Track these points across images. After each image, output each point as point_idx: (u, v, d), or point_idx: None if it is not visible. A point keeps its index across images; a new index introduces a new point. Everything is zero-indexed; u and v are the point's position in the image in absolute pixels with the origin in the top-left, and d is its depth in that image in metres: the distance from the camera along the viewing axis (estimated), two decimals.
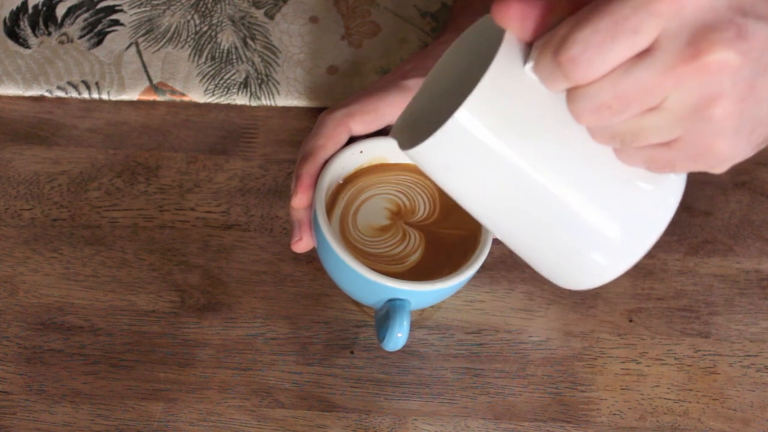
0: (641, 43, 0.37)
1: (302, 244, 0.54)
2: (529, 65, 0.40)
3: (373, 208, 0.55)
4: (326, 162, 0.54)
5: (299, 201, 0.53)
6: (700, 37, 0.36)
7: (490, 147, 0.42)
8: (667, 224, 0.44)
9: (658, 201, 0.44)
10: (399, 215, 0.55)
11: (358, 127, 0.55)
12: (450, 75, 0.47)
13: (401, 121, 0.49)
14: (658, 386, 0.58)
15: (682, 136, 0.39)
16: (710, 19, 0.36)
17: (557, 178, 0.43)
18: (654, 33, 0.37)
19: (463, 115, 0.41)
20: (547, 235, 0.45)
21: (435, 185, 0.56)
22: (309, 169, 0.54)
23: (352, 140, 0.56)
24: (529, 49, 0.40)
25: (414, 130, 0.43)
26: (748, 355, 0.59)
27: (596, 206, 0.43)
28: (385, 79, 0.58)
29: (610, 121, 0.39)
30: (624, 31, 0.37)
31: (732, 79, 0.37)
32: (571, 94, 0.39)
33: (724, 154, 0.39)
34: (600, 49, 0.37)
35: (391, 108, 0.55)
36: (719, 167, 0.40)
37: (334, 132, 0.54)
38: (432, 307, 0.59)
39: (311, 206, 0.53)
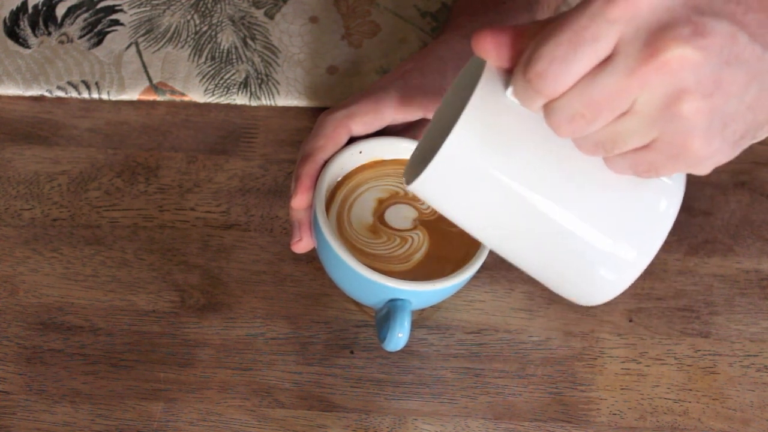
0: (602, 50, 0.38)
1: (302, 244, 0.54)
2: (510, 90, 0.42)
3: (368, 201, 0.55)
4: (326, 162, 0.54)
5: (299, 202, 0.54)
6: (656, 37, 0.37)
7: (481, 173, 0.44)
8: (667, 232, 0.44)
9: (656, 209, 0.44)
10: (387, 201, 0.55)
11: (358, 128, 0.55)
12: (451, 110, 0.49)
13: (412, 158, 0.51)
14: (658, 386, 0.58)
15: (657, 138, 0.39)
16: (666, 19, 0.37)
17: (550, 195, 0.44)
18: (613, 39, 0.38)
19: (448, 147, 0.43)
20: (551, 255, 0.46)
21: None
22: (308, 170, 0.54)
23: (353, 140, 0.56)
24: (509, 75, 0.42)
25: (421, 166, 0.46)
26: (748, 355, 0.59)
27: (593, 219, 0.45)
28: (384, 80, 0.58)
29: (587, 130, 0.40)
30: (584, 41, 0.38)
31: (694, 75, 0.37)
32: (546, 108, 0.40)
33: (700, 152, 0.39)
34: (564, 61, 0.38)
35: (391, 108, 0.55)
36: (700, 167, 0.41)
37: (333, 133, 0.55)
38: (432, 306, 0.59)
39: (311, 207, 0.53)
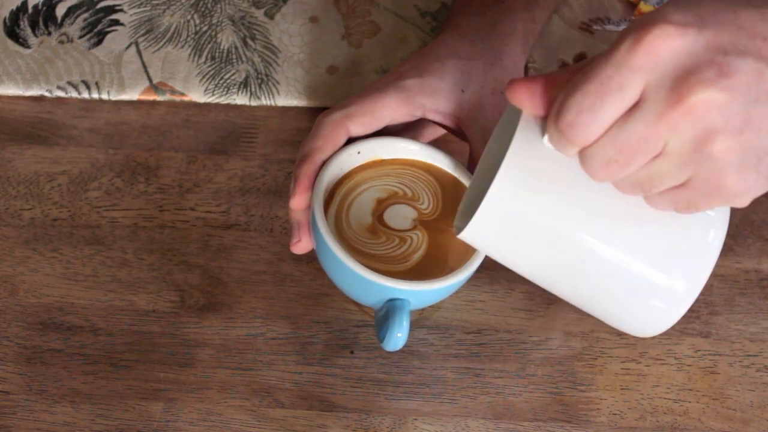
0: (629, 98, 0.39)
1: (301, 245, 0.55)
2: (546, 137, 0.43)
3: (367, 201, 0.55)
4: (324, 163, 0.54)
5: (297, 202, 0.54)
6: (681, 82, 0.38)
7: (527, 219, 0.45)
8: (715, 262, 0.46)
9: (702, 241, 0.46)
10: (387, 201, 0.55)
11: (356, 129, 0.55)
12: (494, 158, 0.51)
13: (462, 205, 0.53)
14: (658, 386, 0.58)
15: (692, 177, 0.40)
16: (689, 63, 0.38)
17: (597, 235, 0.45)
18: (639, 87, 0.39)
19: (491, 196, 0.45)
20: (603, 291, 0.48)
21: (437, 181, 0.56)
22: (306, 171, 0.54)
23: (351, 141, 0.56)
24: (545, 122, 0.44)
25: (471, 213, 0.47)
26: (748, 355, 0.59)
27: (641, 255, 0.46)
28: (382, 80, 0.58)
29: (622, 174, 0.41)
30: (610, 91, 0.39)
31: (722, 115, 0.38)
32: (581, 156, 0.42)
33: (735, 189, 0.40)
34: (592, 111, 0.40)
35: (389, 109, 0.55)
36: (737, 201, 0.42)
37: (331, 134, 0.55)
38: (432, 306, 0.59)
39: (310, 207, 0.53)
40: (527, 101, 0.43)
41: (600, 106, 0.39)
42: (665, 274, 0.46)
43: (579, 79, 0.40)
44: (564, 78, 0.42)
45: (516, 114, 0.46)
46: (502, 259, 0.50)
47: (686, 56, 0.38)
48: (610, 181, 0.42)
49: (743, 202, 0.42)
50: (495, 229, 0.47)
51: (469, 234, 0.48)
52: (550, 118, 0.42)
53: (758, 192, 0.41)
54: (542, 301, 0.60)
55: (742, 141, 0.39)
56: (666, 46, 0.38)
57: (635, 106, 0.39)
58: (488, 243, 0.48)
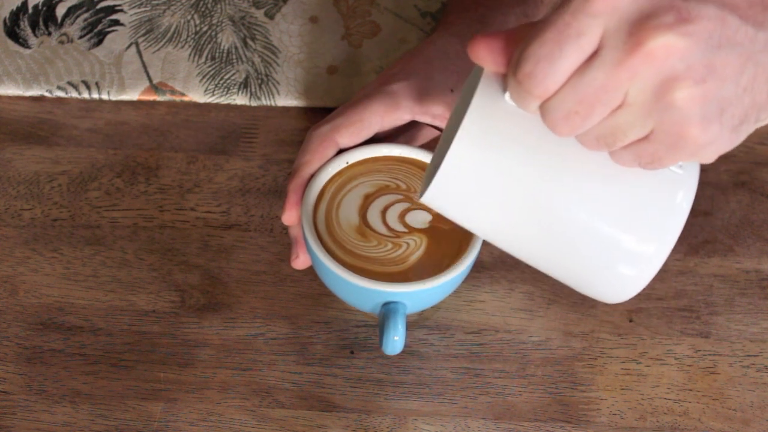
0: (587, 45, 0.38)
1: (299, 261, 0.55)
2: (508, 93, 0.42)
3: (355, 198, 0.55)
4: (312, 176, 0.54)
5: (288, 218, 0.54)
6: (639, 27, 0.37)
7: (487, 180, 0.44)
8: (683, 223, 0.44)
9: (670, 201, 0.44)
10: (375, 195, 0.55)
11: (345, 140, 0.55)
12: (458, 119, 0.50)
13: (427, 172, 0.51)
14: (658, 386, 0.57)
15: (655, 128, 0.39)
16: (648, 8, 0.37)
17: (560, 195, 0.44)
18: (597, 33, 0.37)
19: (450, 158, 0.44)
20: (570, 254, 0.46)
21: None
22: (294, 186, 0.54)
23: (342, 152, 0.56)
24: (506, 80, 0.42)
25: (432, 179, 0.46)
26: (748, 355, 0.59)
27: (604, 214, 0.44)
28: (370, 86, 0.57)
29: (584, 127, 0.40)
30: (568, 38, 0.38)
31: (683, 62, 0.37)
32: (542, 109, 0.40)
33: (699, 140, 0.39)
34: (550, 59, 0.38)
35: (377, 116, 0.55)
36: (702, 155, 0.40)
37: (319, 147, 0.55)
38: (432, 306, 0.59)
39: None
40: (488, 57, 0.41)
41: (558, 54, 0.38)
42: (632, 235, 0.44)
43: (538, 28, 0.39)
44: (523, 32, 0.40)
45: (479, 74, 0.45)
46: (466, 223, 0.48)
47: (644, 1, 0.37)
48: (573, 135, 0.40)
49: (709, 156, 0.40)
50: (457, 191, 0.45)
51: (431, 196, 0.46)
52: (509, 71, 0.40)
53: (723, 146, 0.40)
54: (542, 301, 0.60)
55: (704, 90, 0.37)
56: None
57: (594, 54, 0.38)
58: (451, 205, 0.47)
